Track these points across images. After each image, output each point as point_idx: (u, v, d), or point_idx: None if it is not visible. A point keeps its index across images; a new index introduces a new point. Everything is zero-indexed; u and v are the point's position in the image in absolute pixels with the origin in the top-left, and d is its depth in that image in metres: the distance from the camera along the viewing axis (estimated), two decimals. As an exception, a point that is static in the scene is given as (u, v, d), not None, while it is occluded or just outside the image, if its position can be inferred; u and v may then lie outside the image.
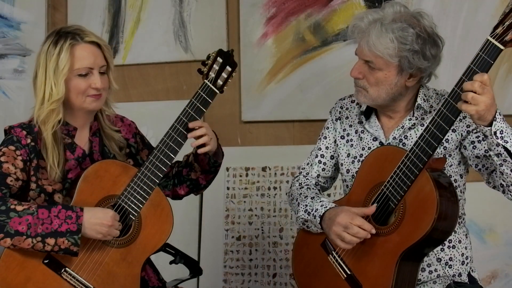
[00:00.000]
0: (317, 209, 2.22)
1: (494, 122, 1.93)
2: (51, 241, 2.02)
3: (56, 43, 2.16)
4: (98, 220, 2.06)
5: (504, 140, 1.95)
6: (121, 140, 2.34)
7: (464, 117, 2.18)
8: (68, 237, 2.03)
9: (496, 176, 2.10)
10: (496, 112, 1.93)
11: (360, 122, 2.34)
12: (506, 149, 1.95)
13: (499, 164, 1.99)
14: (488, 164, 2.13)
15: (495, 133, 1.94)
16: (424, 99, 2.23)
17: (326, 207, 2.21)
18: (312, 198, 2.28)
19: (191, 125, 2.21)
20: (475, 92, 1.88)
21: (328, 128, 2.43)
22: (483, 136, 2.12)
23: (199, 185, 2.40)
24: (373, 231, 2.07)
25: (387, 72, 2.15)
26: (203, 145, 2.23)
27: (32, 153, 2.16)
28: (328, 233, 2.15)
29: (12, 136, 2.16)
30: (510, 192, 2.06)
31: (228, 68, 2.29)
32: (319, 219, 2.20)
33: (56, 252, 2.05)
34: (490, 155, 2.10)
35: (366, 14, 2.18)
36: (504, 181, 2.04)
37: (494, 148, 1.97)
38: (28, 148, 2.16)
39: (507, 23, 1.87)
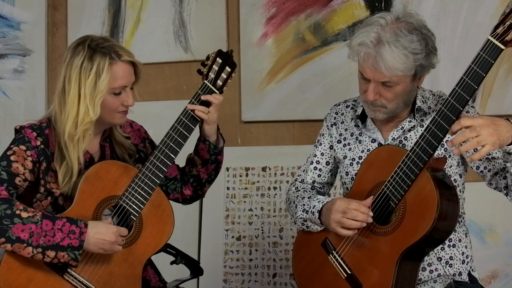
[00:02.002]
0: (314, 205, 2.23)
1: None
2: (51, 253, 2.01)
3: (92, 59, 2.12)
4: (100, 236, 2.05)
5: None
6: (131, 148, 2.33)
7: None
8: (69, 251, 2.02)
9: (501, 178, 2.10)
10: None
11: (357, 126, 2.34)
12: None
13: None
14: (491, 166, 2.13)
15: None
16: (422, 100, 2.24)
17: (323, 202, 2.22)
18: (309, 197, 2.30)
19: (203, 97, 2.23)
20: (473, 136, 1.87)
21: (323, 134, 2.43)
22: (507, 154, 2.06)
23: (200, 180, 2.38)
24: (371, 213, 2.08)
25: (403, 83, 2.13)
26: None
27: (41, 156, 2.15)
28: (328, 223, 2.16)
29: (23, 136, 2.15)
30: None
31: (228, 69, 2.30)
32: (317, 214, 2.20)
33: (55, 264, 2.05)
34: (493, 157, 2.10)
35: (363, 37, 2.11)
36: None
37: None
38: (37, 150, 2.14)
39: (507, 23, 1.87)
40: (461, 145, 1.88)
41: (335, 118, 2.41)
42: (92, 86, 2.11)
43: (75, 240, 2.02)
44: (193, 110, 2.23)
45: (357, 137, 2.33)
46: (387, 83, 2.12)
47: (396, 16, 2.13)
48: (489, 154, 2.12)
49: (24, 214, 2.01)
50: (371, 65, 2.10)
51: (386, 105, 2.17)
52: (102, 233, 2.06)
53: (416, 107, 2.23)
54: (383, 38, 2.08)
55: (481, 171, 2.16)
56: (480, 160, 2.14)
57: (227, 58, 2.30)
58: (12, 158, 2.10)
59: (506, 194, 2.11)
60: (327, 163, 2.42)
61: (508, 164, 2.01)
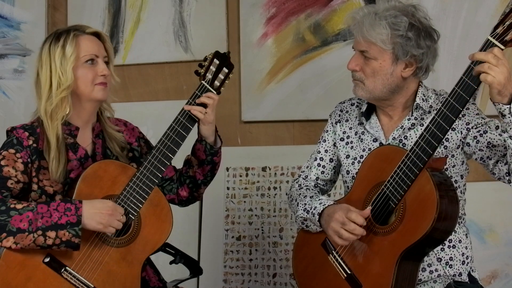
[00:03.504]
0: (315, 207, 2.23)
1: None
2: (52, 234, 2.02)
3: (58, 38, 2.20)
4: (97, 210, 2.07)
5: None
6: (122, 140, 2.34)
7: (464, 115, 2.18)
8: (68, 229, 2.03)
9: (502, 165, 2.09)
10: None
11: (361, 123, 2.34)
12: None
13: None
14: (492, 154, 2.12)
15: None
16: (423, 98, 2.24)
17: (325, 204, 2.21)
18: (311, 197, 2.29)
19: (197, 101, 2.25)
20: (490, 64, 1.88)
21: (327, 131, 2.44)
22: (486, 121, 2.13)
23: (196, 181, 2.38)
24: (364, 223, 2.08)
25: (381, 61, 2.16)
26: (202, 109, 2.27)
27: (34, 155, 2.16)
28: (326, 229, 2.16)
29: (13, 139, 2.17)
30: None
31: (225, 70, 2.30)
32: (317, 216, 2.20)
33: (58, 246, 2.04)
34: (493, 145, 2.09)
35: (361, 8, 2.21)
36: None
37: (510, 129, 1.96)
38: (29, 150, 2.16)
39: (507, 23, 1.87)
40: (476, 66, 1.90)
41: (339, 115, 2.41)
42: (61, 56, 2.18)
43: (72, 217, 2.04)
44: (190, 110, 2.24)
45: (360, 136, 2.33)
46: (365, 53, 2.18)
47: (403, 5, 2.19)
48: (490, 143, 2.12)
49: (19, 206, 2.04)
50: (353, 30, 2.19)
51: (363, 80, 2.21)
52: (98, 207, 2.08)
53: (415, 104, 2.23)
54: (373, 11, 2.16)
55: (484, 161, 2.15)
56: (482, 150, 2.14)
57: (225, 59, 2.31)
58: (2, 162, 2.13)
59: (509, 181, 2.09)
60: (331, 160, 2.42)
61: (505, 135, 1.99)
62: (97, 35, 2.27)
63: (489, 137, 2.13)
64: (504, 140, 2.01)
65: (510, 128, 1.96)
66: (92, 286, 2.11)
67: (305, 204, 2.28)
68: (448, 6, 3.11)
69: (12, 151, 2.15)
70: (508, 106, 1.92)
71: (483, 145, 2.13)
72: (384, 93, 2.21)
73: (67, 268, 2.10)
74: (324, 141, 2.44)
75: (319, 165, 2.43)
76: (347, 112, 2.41)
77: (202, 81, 2.28)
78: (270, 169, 3.37)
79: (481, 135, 2.14)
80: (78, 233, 2.04)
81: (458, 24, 3.10)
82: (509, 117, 1.94)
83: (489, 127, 2.14)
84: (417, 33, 2.14)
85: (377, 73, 2.18)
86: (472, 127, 2.17)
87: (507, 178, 2.09)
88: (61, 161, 2.18)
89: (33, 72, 2.25)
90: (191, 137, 2.30)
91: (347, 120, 2.39)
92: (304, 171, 2.47)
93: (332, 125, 2.43)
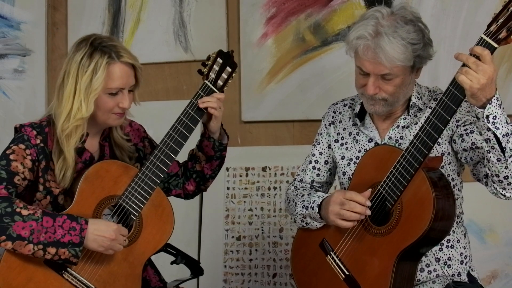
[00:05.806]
0: (314, 200, 2.23)
1: (488, 105, 1.90)
2: (52, 250, 2.02)
3: (91, 57, 2.12)
4: (100, 233, 2.05)
5: (496, 127, 1.91)
6: (130, 150, 2.34)
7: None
8: (69, 248, 2.02)
9: (481, 167, 2.09)
10: (495, 96, 1.90)
11: (355, 124, 2.34)
12: (495, 136, 1.92)
13: (487, 150, 1.96)
14: (474, 156, 2.12)
15: (487, 116, 1.90)
16: (418, 97, 2.23)
17: (323, 197, 2.22)
18: (309, 194, 2.30)
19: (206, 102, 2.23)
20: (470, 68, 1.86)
21: (321, 133, 2.43)
22: (474, 119, 2.08)
23: (204, 176, 2.39)
24: (368, 203, 2.07)
25: (402, 76, 2.13)
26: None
27: (41, 154, 2.15)
28: (327, 217, 2.15)
29: (23, 135, 2.15)
30: (494, 183, 2.02)
31: (228, 69, 2.30)
32: (317, 208, 2.20)
33: (56, 261, 2.05)
34: (477, 147, 2.08)
35: (361, 30, 2.12)
36: (489, 169, 2.00)
37: (485, 133, 1.94)
38: (37, 148, 2.14)
39: (500, 20, 1.85)
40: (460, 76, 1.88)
41: (333, 117, 2.41)
42: (88, 82, 2.11)
43: (75, 237, 2.03)
44: (197, 107, 2.22)
45: (354, 137, 2.33)
46: (386, 75, 2.12)
47: (390, 11, 2.14)
48: (474, 144, 2.11)
49: (25, 212, 2.02)
50: (371, 58, 2.10)
51: (386, 98, 2.16)
52: (102, 230, 2.06)
53: (411, 103, 2.22)
54: (381, 30, 2.08)
55: (466, 161, 2.16)
56: (466, 150, 2.13)
57: (228, 58, 2.31)
58: (11, 157, 2.10)
59: (486, 184, 2.08)
60: (326, 162, 2.42)
61: (481, 138, 1.99)
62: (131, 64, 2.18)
63: (474, 137, 2.11)
64: (481, 142, 2.00)
65: (484, 132, 1.94)
66: (93, 287, 2.11)
67: (303, 201, 2.28)
68: (448, 6, 3.11)
69: (22, 146, 2.13)
70: (482, 110, 1.91)
71: (467, 146, 2.12)
72: (402, 101, 2.20)
73: (68, 269, 2.09)
74: (319, 143, 2.43)
75: (314, 168, 2.43)
76: (340, 113, 2.40)
77: (205, 81, 2.27)
78: (270, 169, 3.37)
79: (467, 134, 2.13)
80: (78, 254, 2.03)
81: (458, 24, 3.10)
82: (482, 121, 1.92)
83: (476, 127, 2.13)
84: (422, 34, 2.12)
85: (399, 87, 2.15)
86: (460, 124, 2.16)
87: (485, 180, 2.09)
88: (68, 171, 2.17)
89: (60, 73, 2.17)
90: (193, 136, 2.30)
91: (340, 121, 2.38)
92: (299, 175, 2.47)
93: (326, 127, 2.42)
